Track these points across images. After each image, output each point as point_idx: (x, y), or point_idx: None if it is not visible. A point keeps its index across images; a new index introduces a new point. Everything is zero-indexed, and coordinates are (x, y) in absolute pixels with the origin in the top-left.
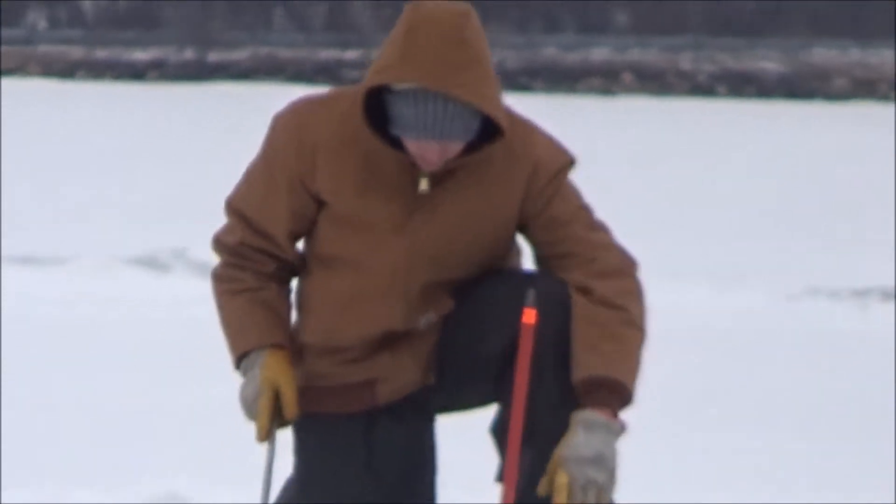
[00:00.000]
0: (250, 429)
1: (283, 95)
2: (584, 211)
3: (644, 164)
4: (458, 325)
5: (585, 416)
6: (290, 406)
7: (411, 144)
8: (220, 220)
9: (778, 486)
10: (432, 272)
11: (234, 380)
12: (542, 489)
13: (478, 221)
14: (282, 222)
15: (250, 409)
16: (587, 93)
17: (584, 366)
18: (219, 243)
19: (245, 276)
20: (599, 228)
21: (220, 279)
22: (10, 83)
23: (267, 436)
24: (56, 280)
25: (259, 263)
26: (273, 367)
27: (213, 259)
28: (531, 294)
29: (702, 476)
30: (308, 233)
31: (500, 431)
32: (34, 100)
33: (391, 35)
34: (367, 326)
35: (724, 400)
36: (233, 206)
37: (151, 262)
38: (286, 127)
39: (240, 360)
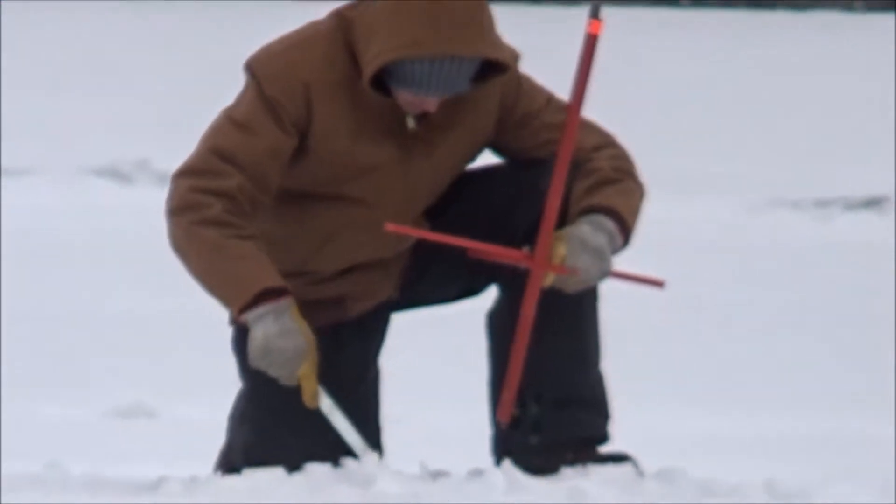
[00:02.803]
0: (216, 343)
1: (245, 10)
2: (551, 98)
3: (607, 72)
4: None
5: (593, 218)
6: (315, 355)
7: (408, 95)
8: (182, 131)
9: (737, 391)
10: (426, 202)
11: (201, 292)
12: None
13: (465, 148)
14: (277, 158)
15: (287, 362)
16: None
17: (588, 201)
18: (209, 190)
19: (243, 224)
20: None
21: (217, 224)
22: None
23: (317, 398)
24: (20, 191)
25: (248, 214)
26: (304, 322)
27: (175, 168)
28: (596, 5)
29: (660, 386)
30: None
31: (499, 326)
32: None
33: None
34: (350, 257)
35: (684, 310)
36: (224, 153)
37: (115, 173)
38: (272, 72)
39: (256, 299)
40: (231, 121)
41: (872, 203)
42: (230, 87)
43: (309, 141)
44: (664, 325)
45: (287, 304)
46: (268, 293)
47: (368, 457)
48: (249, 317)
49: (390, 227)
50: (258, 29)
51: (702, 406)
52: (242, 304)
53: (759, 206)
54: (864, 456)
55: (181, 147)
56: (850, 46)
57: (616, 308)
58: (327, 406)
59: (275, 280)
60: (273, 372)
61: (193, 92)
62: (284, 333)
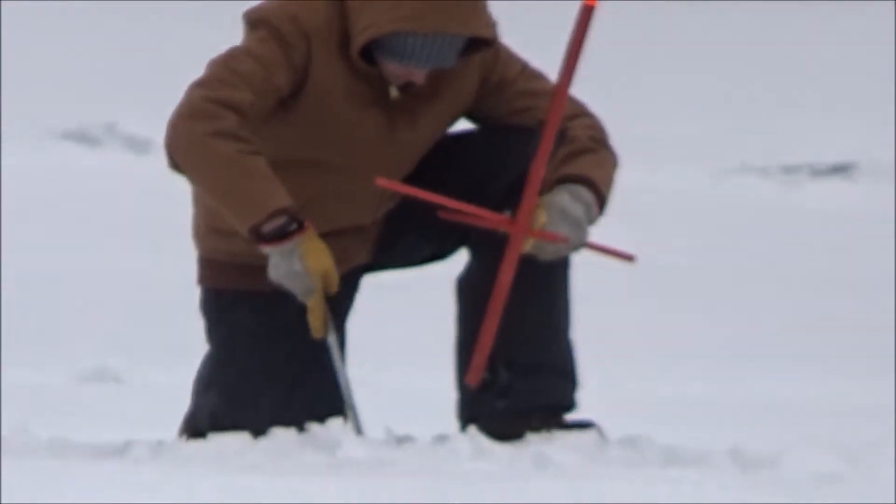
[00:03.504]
0: (183, 306)
1: None
2: (525, 66)
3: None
4: (447, 176)
5: (572, 187)
6: (335, 285)
7: (397, 68)
8: (150, 95)
9: (703, 357)
10: (406, 170)
11: (167, 253)
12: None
13: (447, 118)
14: (272, 104)
15: (297, 298)
16: None
17: (565, 169)
18: (224, 101)
19: (255, 141)
20: (543, 77)
21: (233, 137)
22: None
23: (326, 331)
24: None
25: (254, 133)
26: (316, 253)
27: (143, 132)
28: None
29: (626, 353)
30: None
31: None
32: None
33: None
34: (330, 223)
35: (651, 277)
36: (238, 71)
37: (82, 137)
38: (283, 16)
39: (270, 217)
40: (245, 51)
41: (839, 169)
42: (199, 50)
43: (301, 96)
44: (631, 291)
45: (294, 246)
46: (278, 214)
47: (352, 411)
48: (264, 250)
49: (382, 181)
50: None
51: (667, 372)
52: (254, 222)
53: (726, 173)
54: (828, 422)
55: (149, 110)
56: (816, 12)
57: (583, 274)
58: (332, 341)
59: (286, 200)
60: (296, 292)
61: (162, 55)
62: (290, 276)
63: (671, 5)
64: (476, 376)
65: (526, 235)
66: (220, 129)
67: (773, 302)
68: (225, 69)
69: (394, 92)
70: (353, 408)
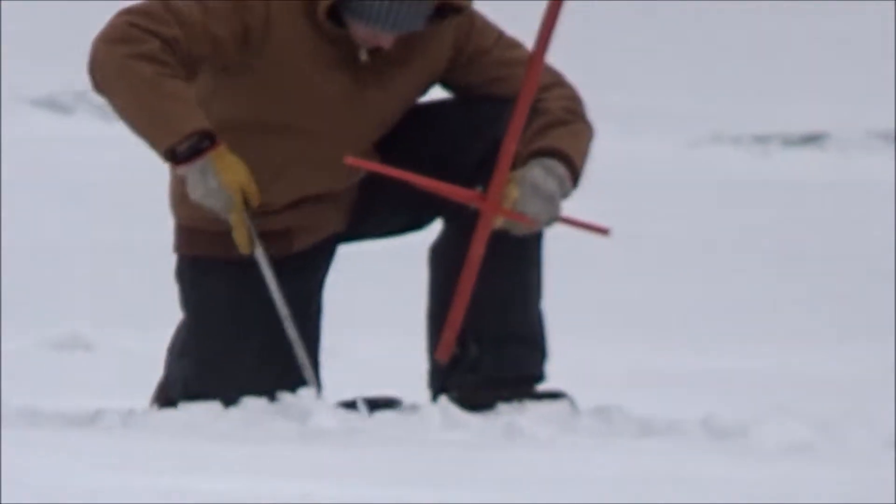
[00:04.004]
0: (155, 274)
1: None
2: (501, 35)
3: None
4: (416, 145)
5: (545, 161)
6: (256, 196)
7: (364, 30)
8: None
9: (675, 327)
10: (377, 135)
11: (138, 221)
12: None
13: (417, 83)
14: (205, 53)
15: (219, 216)
16: None
17: (538, 143)
18: (150, 30)
19: (178, 67)
20: (519, 46)
21: (153, 60)
22: None
23: (252, 246)
24: None
25: (181, 67)
26: (231, 168)
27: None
28: None
29: (598, 322)
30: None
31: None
32: None
33: None
34: (301, 189)
35: (624, 246)
36: (173, 8)
37: (53, 104)
38: None
39: (184, 140)
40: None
41: (811, 139)
42: None
43: (263, 57)
44: (603, 260)
45: (206, 162)
46: (191, 136)
47: (288, 323)
48: (179, 171)
49: (349, 160)
50: None
51: (639, 342)
52: (169, 144)
53: (698, 142)
54: (800, 393)
55: None
56: None
57: (555, 243)
58: (260, 256)
59: (201, 122)
60: (215, 210)
61: None
62: (208, 194)
63: None
64: (445, 352)
65: (496, 213)
66: (141, 52)
67: (744, 272)
68: (161, 4)
69: (363, 55)
70: (298, 344)
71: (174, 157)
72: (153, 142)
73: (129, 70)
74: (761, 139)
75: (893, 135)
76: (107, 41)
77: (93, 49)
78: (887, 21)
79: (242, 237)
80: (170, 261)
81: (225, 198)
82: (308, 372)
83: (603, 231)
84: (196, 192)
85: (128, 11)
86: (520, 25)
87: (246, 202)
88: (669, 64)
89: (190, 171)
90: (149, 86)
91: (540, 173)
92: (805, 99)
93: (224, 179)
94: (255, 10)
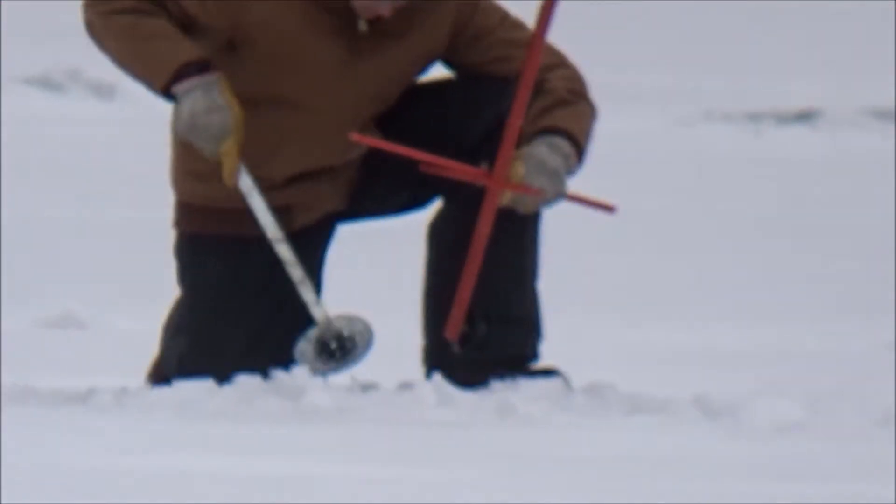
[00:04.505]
0: (149, 252)
1: None
2: (506, 15)
3: None
4: (417, 123)
5: (550, 139)
6: (241, 132)
7: None
8: None
9: (666, 304)
10: (373, 109)
11: (132, 199)
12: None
13: (416, 57)
14: (189, 18)
15: (212, 138)
16: None
17: (544, 121)
18: None
19: (158, 10)
20: (523, 27)
21: (131, 10)
22: None
23: (237, 176)
24: None
25: (164, 12)
26: (233, 98)
27: (108, 78)
28: None
29: (589, 299)
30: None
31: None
32: None
33: None
34: (299, 163)
35: (614, 223)
36: None
37: (46, 83)
38: None
39: (181, 71)
40: None
41: (804, 116)
42: None
43: (253, 28)
44: (594, 237)
45: (215, 79)
46: (189, 66)
47: (280, 246)
48: (178, 91)
49: (355, 136)
50: None
51: (631, 320)
52: (165, 81)
53: (690, 119)
54: (791, 370)
55: None
56: None
57: (545, 223)
58: (246, 185)
59: (194, 53)
60: (197, 145)
61: None
62: (211, 109)
63: None
64: (455, 330)
65: (503, 189)
66: (121, 7)
67: (735, 249)
68: None
69: (362, 25)
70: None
71: (173, 92)
72: (151, 85)
73: (113, 22)
74: (754, 116)
75: (891, 112)
76: (88, 3)
77: (82, 12)
78: None
79: (234, 163)
80: (164, 240)
81: (227, 118)
82: (316, 309)
83: (609, 208)
84: (198, 104)
85: None
86: (521, 5)
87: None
88: (661, 41)
89: (195, 84)
90: (131, 32)
91: (545, 150)
92: (798, 75)
93: (232, 101)
94: None
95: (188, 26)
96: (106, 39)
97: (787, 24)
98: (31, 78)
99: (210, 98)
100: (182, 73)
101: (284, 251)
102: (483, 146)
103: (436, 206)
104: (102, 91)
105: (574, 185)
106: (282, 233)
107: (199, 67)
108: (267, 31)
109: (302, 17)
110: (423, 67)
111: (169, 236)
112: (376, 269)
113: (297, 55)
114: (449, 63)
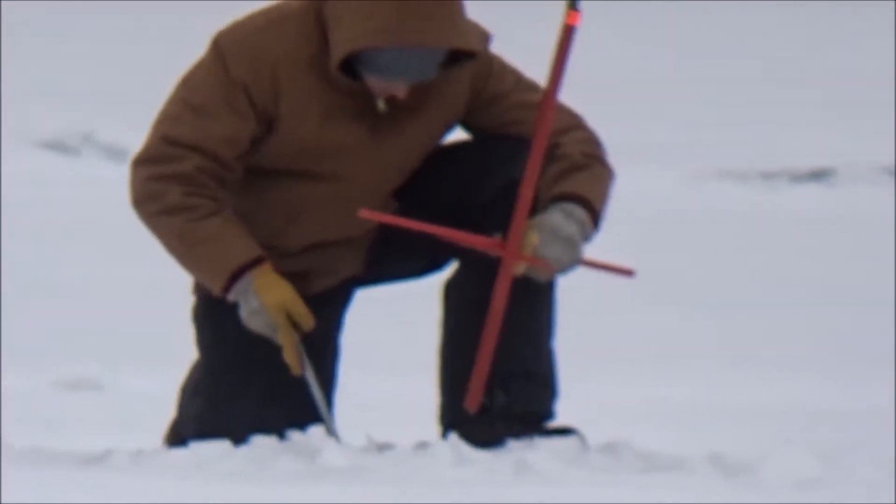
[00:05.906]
0: (163, 314)
1: None
2: (521, 78)
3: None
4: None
5: (565, 206)
6: (306, 319)
7: (377, 81)
8: (128, 103)
9: (681, 362)
10: (395, 182)
11: (147, 261)
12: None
13: (435, 129)
14: (236, 146)
15: (269, 336)
16: None
17: (558, 188)
18: (166, 176)
19: (205, 203)
20: (538, 89)
21: (178, 210)
22: None
23: (301, 367)
24: None
25: (213, 189)
26: (272, 288)
27: (121, 141)
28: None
29: (605, 357)
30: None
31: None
32: None
33: None
34: (318, 234)
35: (628, 281)
36: (178, 141)
37: (60, 146)
38: (240, 51)
39: (232, 279)
40: (186, 105)
41: (818, 175)
42: (176, 57)
43: (276, 123)
44: (608, 296)
45: (246, 284)
46: (241, 269)
47: (333, 436)
48: (232, 299)
49: (364, 213)
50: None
51: (646, 377)
52: (222, 288)
53: (704, 178)
54: (806, 426)
55: (127, 119)
56: (791, 16)
57: (561, 281)
58: (310, 376)
59: (242, 254)
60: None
61: (138, 63)
62: (252, 315)
63: (650, 6)
64: (474, 402)
65: (517, 261)
66: (166, 207)
67: (751, 307)
68: (163, 140)
69: (381, 105)
70: (334, 434)
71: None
72: (211, 288)
73: (162, 227)
74: (768, 175)
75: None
76: (136, 204)
77: (134, 209)
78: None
79: (291, 357)
80: (179, 301)
81: (266, 319)
82: (329, 426)
83: (628, 272)
84: (242, 313)
85: (139, 162)
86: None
87: (294, 324)
88: (675, 98)
89: (236, 294)
90: (181, 239)
91: (559, 217)
92: (812, 134)
93: (265, 300)
94: (262, 81)
95: (253, 145)
96: (158, 236)
97: (799, 82)
98: (44, 141)
99: (248, 306)
100: (235, 277)
101: (325, 414)
102: (493, 207)
103: (451, 266)
104: (115, 154)
105: (591, 242)
106: (333, 427)
107: (249, 265)
108: (292, 118)
109: (324, 102)
110: (443, 135)
111: (184, 297)
112: (392, 329)
113: (319, 139)
114: (465, 125)
